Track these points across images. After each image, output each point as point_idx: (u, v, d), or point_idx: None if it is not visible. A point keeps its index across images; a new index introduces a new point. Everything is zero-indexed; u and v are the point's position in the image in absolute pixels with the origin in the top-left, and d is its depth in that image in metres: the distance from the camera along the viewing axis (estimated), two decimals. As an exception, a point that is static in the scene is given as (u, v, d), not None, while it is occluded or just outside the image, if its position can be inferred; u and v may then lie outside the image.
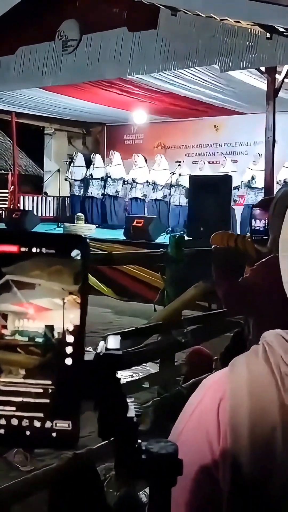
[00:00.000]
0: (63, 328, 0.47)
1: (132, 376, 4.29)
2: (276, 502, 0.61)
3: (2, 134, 18.81)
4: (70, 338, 0.48)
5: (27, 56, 10.68)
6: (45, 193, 16.10)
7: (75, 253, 0.48)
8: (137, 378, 4.07)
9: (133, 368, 4.15)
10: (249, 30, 7.99)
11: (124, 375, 4.09)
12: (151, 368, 4.23)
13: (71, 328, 0.48)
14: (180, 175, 12.03)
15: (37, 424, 0.47)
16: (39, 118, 15.06)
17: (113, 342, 0.50)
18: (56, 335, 0.47)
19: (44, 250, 0.47)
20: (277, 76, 8.78)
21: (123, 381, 0.50)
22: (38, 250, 0.47)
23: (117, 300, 7.79)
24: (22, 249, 0.47)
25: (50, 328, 0.48)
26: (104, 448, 2.46)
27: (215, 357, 3.14)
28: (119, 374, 0.49)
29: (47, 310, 0.48)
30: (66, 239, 0.48)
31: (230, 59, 8.20)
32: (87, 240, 0.49)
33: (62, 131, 16.58)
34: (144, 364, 4.22)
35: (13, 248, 0.47)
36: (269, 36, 7.72)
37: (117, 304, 7.80)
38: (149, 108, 12.97)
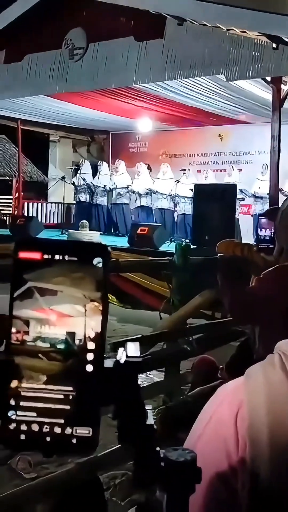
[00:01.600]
0: (84, 334, 0.48)
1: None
2: None
3: (8, 140, 18.92)
4: (91, 345, 0.48)
5: (33, 63, 10.76)
6: (43, 199, 16.14)
7: (97, 261, 0.48)
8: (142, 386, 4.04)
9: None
10: (255, 40, 8.04)
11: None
12: (156, 376, 4.22)
13: (92, 335, 0.48)
14: (177, 181, 12.01)
15: (57, 430, 0.48)
16: (44, 125, 15.14)
17: (133, 349, 0.51)
18: (77, 342, 0.48)
19: (66, 257, 0.48)
20: (282, 86, 8.81)
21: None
22: (61, 257, 0.48)
23: (120, 307, 7.79)
24: (45, 256, 0.48)
25: (72, 334, 0.48)
26: (108, 456, 2.45)
27: (221, 366, 3.13)
28: (140, 381, 0.49)
29: (68, 317, 0.48)
30: (88, 247, 0.49)
31: (236, 68, 8.24)
32: (109, 248, 0.49)
33: (67, 139, 16.65)
34: (148, 372, 4.22)
35: (36, 255, 0.48)
36: (275, 46, 7.76)
37: (121, 312, 7.79)
38: (154, 117, 13.02)
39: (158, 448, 0.50)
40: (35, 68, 10.74)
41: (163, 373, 3.93)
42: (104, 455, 2.51)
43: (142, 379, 4.49)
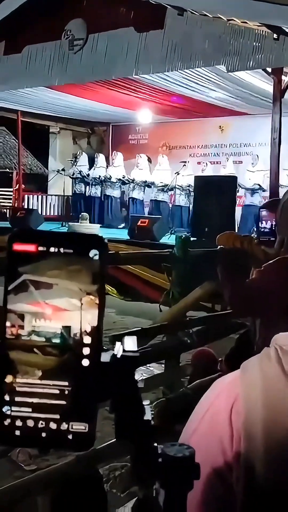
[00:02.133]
0: (81, 329, 0.47)
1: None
2: None
3: (8, 132, 18.87)
4: (87, 339, 0.47)
5: (33, 55, 10.70)
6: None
7: (93, 253, 0.47)
8: (142, 378, 4.06)
9: (138, 368, 4.14)
10: (256, 30, 7.99)
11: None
12: (155, 369, 4.23)
13: (88, 329, 0.47)
14: (177, 173, 11.97)
15: (53, 425, 0.47)
16: (44, 117, 15.09)
17: (131, 344, 0.50)
18: (73, 336, 0.47)
19: (62, 249, 0.47)
20: (283, 77, 8.76)
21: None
22: (56, 249, 0.47)
23: (120, 300, 7.79)
24: (40, 248, 0.47)
25: (67, 329, 0.47)
26: (108, 448, 2.45)
27: (220, 359, 3.13)
28: (137, 376, 0.48)
29: (64, 311, 0.47)
30: (84, 239, 0.48)
31: (237, 59, 8.19)
32: (106, 240, 0.48)
33: (67, 130, 16.59)
34: (148, 365, 4.22)
35: (30, 247, 0.47)
36: (276, 37, 7.72)
37: (120, 304, 7.79)
38: (155, 108, 12.97)
39: (156, 444, 0.49)
40: (34, 59, 10.68)
41: (163, 366, 3.93)
42: (103, 448, 2.51)
43: (142, 372, 4.50)
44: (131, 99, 12.14)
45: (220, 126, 14.08)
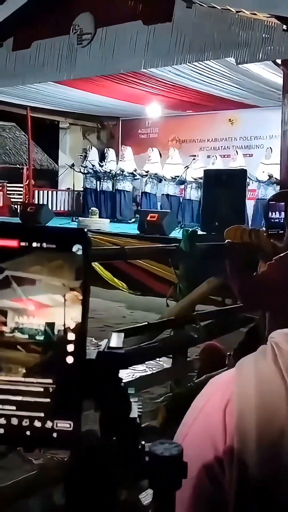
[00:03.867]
0: (64, 325, 0.46)
1: (145, 370, 4.29)
2: (283, 507, 0.59)
3: (18, 128, 18.90)
4: (71, 336, 0.46)
5: (42, 50, 10.69)
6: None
7: (76, 248, 0.46)
8: (150, 373, 4.06)
9: (146, 362, 4.14)
10: (265, 22, 7.91)
11: (138, 370, 4.09)
12: (165, 363, 4.23)
13: (72, 326, 0.46)
14: (187, 167, 11.91)
15: (37, 424, 0.46)
16: (54, 112, 15.09)
17: (116, 340, 0.49)
18: (57, 333, 0.46)
19: (44, 244, 0.46)
20: (293, 69, 8.66)
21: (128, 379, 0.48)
22: (39, 244, 0.46)
23: (130, 294, 7.79)
24: (22, 243, 0.46)
25: (51, 325, 0.46)
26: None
27: (229, 353, 3.12)
28: (121, 373, 0.47)
29: (47, 307, 0.46)
30: (67, 233, 0.47)
31: (246, 51, 8.12)
32: (89, 234, 0.47)
33: (77, 125, 16.58)
34: (158, 359, 4.21)
35: (12, 243, 0.46)
36: (286, 28, 7.63)
37: (130, 299, 7.79)
38: (164, 102, 12.91)
39: (143, 442, 0.48)
40: (43, 54, 10.68)
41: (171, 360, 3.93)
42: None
43: (151, 366, 4.49)
44: (140, 93, 12.10)
45: (230, 119, 13.99)
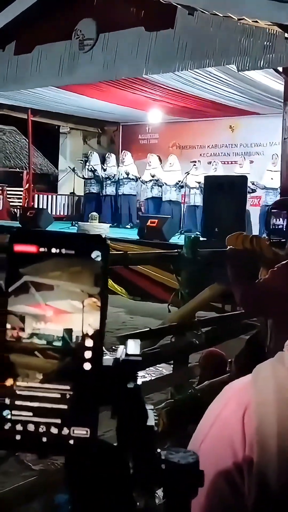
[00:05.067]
0: (82, 331, 0.46)
1: (144, 377, 4.28)
2: None
3: (18, 132, 18.93)
4: (89, 343, 0.46)
5: (43, 55, 10.72)
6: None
7: (95, 254, 0.46)
8: (149, 379, 4.05)
9: (146, 369, 4.14)
10: (267, 30, 7.94)
11: (139, 376, 4.05)
12: (164, 369, 4.22)
13: (90, 332, 0.46)
14: (187, 173, 11.93)
15: (54, 430, 0.46)
16: (54, 117, 15.12)
17: (133, 347, 0.49)
18: (74, 339, 0.46)
19: (63, 250, 0.46)
20: (294, 76, 8.69)
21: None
22: (58, 250, 0.46)
23: (130, 300, 7.78)
24: (41, 249, 0.46)
25: (69, 331, 0.46)
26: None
27: (230, 360, 3.11)
28: (139, 380, 0.47)
29: (66, 313, 0.46)
30: (86, 239, 0.47)
31: (247, 59, 8.15)
32: (108, 241, 0.47)
33: (78, 130, 16.62)
34: (157, 365, 4.20)
35: (31, 248, 0.46)
36: (287, 36, 7.66)
37: (130, 304, 7.78)
38: (165, 108, 12.95)
39: (158, 450, 0.48)
40: (45, 59, 10.71)
41: (172, 366, 3.92)
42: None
43: (151, 372, 4.48)
44: (141, 99, 12.13)
45: (230, 126, 14.03)
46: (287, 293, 2.25)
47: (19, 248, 0.46)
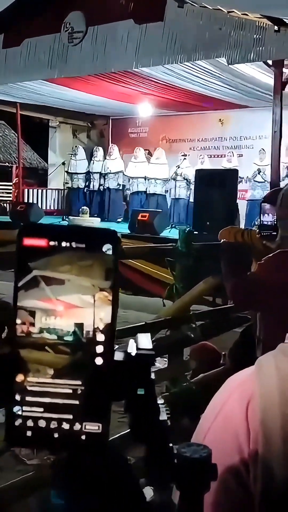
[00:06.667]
0: (93, 326, 0.45)
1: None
2: None
3: (7, 126, 18.82)
4: (100, 337, 0.45)
5: (32, 48, 10.64)
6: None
7: (106, 248, 0.45)
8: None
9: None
10: (257, 22, 7.93)
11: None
12: (159, 363, 4.22)
13: (101, 327, 0.45)
14: (178, 167, 11.92)
15: (65, 426, 0.45)
16: (43, 111, 15.03)
17: (145, 342, 0.48)
18: (85, 334, 0.45)
19: (74, 244, 0.45)
20: (284, 69, 8.71)
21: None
22: (68, 244, 0.45)
23: (121, 294, 7.77)
24: (51, 243, 0.45)
25: (80, 326, 0.45)
26: (118, 440, 2.43)
27: (224, 353, 3.13)
28: (152, 375, 0.46)
29: (76, 308, 0.45)
30: (96, 233, 0.46)
31: (237, 52, 8.14)
32: (119, 235, 0.46)
33: (67, 124, 16.54)
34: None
35: (41, 242, 0.45)
36: (277, 29, 7.67)
37: (122, 298, 7.77)
38: (154, 101, 12.91)
39: (171, 444, 0.48)
40: (34, 52, 10.63)
41: (166, 360, 3.92)
42: (114, 440, 2.50)
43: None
44: (131, 92, 12.09)
45: (220, 119, 14.03)
46: (274, 286, 2.25)
47: (28, 242, 0.45)
